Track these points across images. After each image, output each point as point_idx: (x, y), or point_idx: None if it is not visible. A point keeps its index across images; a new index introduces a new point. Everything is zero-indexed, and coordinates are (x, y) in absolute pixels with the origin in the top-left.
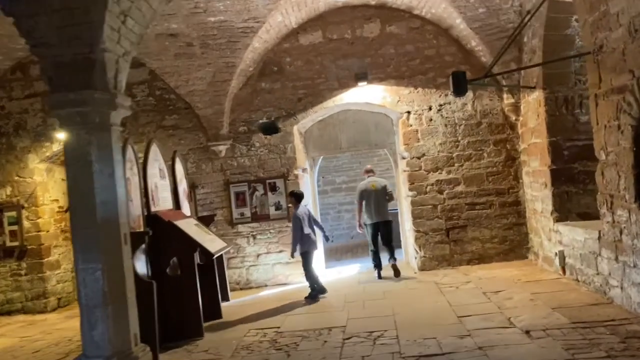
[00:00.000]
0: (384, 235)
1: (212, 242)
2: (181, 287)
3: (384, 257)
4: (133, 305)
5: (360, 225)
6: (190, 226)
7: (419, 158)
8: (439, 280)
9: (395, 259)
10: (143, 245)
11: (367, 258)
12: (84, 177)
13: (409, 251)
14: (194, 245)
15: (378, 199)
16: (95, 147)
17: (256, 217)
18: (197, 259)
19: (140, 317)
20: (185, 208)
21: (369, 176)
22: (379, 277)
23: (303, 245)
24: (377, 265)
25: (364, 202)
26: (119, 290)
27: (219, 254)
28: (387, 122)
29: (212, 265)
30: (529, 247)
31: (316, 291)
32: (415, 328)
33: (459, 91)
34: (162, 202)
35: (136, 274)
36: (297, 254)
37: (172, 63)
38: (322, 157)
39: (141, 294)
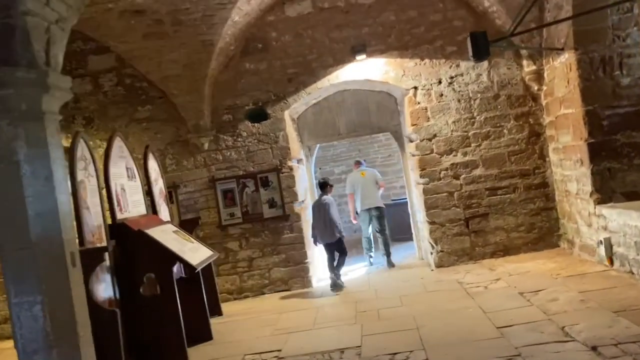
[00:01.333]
0: (377, 221)
1: (194, 251)
2: (159, 309)
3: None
4: (88, 344)
5: (354, 217)
6: (167, 234)
7: (429, 140)
8: (462, 279)
9: (391, 262)
10: (105, 263)
11: (376, 255)
12: (10, 183)
13: (422, 246)
14: (171, 257)
15: (367, 186)
16: (24, 142)
17: (248, 217)
18: (179, 272)
19: (101, 357)
20: (164, 212)
21: (357, 168)
22: (370, 263)
23: (315, 237)
24: (369, 249)
25: (355, 191)
26: (67, 327)
27: (204, 265)
28: (391, 101)
29: (197, 278)
30: (561, 235)
31: (331, 284)
32: (447, 346)
33: (480, 55)
34: (133, 206)
35: (93, 302)
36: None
37: (140, 45)
38: (318, 145)
39: (102, 327)
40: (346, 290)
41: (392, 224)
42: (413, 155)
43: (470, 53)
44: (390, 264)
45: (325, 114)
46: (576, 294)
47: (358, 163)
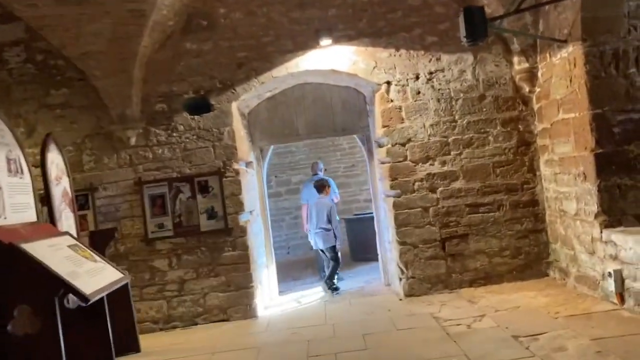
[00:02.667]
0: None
1: (94, 274)
2: (35, 353)
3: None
4: None
5: (306, 226)
6: (57, 250)
7: (403, 145)
8: (438, 313)
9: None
10: None
11: (337, 276)
12: None
13: (389, 270)
14: (54, 282)
15: (322, 209)
16: None
17: (181, 230)
18: (69, 302)
19: None
20: (66, 220)
21: (314, 174)
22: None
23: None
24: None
25: (309, 206)
26: None
27: (105, 293)
28: (359, 99)
29: (100, 308)
30: (550, 262)
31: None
32: None
33: (475, 36)
34: (13, 211)
35: None
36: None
37: (53, 11)
38: (272, 147)
39: None
40: (297, 324)
41: (354, 243)
42: (382, 163)
43: (463, 33)
44: (333, 289)
45: (281, 111)
46: (588, 341)
47: (315, 166)
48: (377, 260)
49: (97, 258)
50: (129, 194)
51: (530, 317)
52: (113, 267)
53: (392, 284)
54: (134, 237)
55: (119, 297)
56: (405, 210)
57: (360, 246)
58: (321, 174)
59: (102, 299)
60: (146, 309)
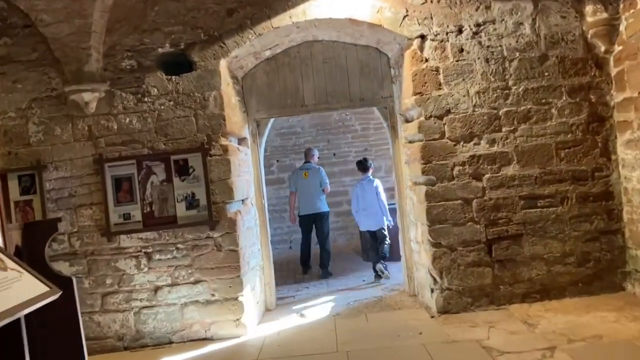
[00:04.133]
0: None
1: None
2: None
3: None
4: None
5: (293, 218)
6: None
7: (439, 118)
8: (488, 341)
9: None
10: None
11: (346, 278)
12: None
13: (415, 277)
14: None
15: (309, 189)
16: None
17: (153, 222)
18: None
19: None
20: None
21: (309, 160)
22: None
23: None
24: (304, 263)
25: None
26: None
27: (13, 318)
28: (381, 63)
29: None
30: (628, 272)
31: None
32: None
33: None
34: None
35: None
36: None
37: None
38: (272, 120)
39: None
40: (299, 350)
41: (367, 239)
42: (411, 142)
43: None
44: (325, 274)
45: (284, 75)
46: None
47: (309, 152)
48: (394, 260)
49: (10, 264)
50: (87, 175)
51: (626, 356)
52: (35, 277)
53: (419, 294)
54: (93, 230)
55: (59, 317)
56: (441, 203)
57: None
58: (313, 163)
59: (16, 324)
60: (108, 322)
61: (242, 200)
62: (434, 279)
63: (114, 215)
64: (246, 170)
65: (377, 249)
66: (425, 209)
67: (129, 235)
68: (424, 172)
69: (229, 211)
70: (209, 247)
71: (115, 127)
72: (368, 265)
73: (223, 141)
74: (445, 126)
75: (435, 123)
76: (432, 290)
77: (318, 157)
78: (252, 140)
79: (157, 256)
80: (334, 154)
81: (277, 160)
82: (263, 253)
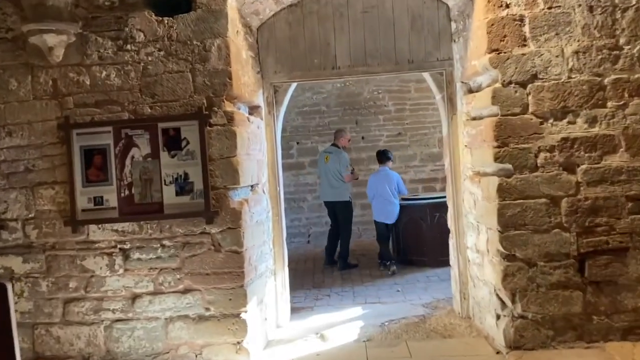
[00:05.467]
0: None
1: None
2: None
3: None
4: None
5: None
6: None
7: (522, 85)
8: None
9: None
10: None
11: (374, 285)
12: None
13: (473, 294)
14: None
15: (328, 175)
16: None
17: (131, 210)
18: None
19: None
20: None
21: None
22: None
23: None
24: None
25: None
26: None
27: None
28: (438, 14)
29: None
30: None
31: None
32: None
33: None
34: None
35: None
36: None
37: None
38: (293, 87)
39: None
40: None
41: (401, 238)
42: (475, 119)
43: None
44: (343, 265)
45: (311, 27)
46: None
47: (337, 133)
48: (435, 266)
49: None
50: (49, 145)
51: None
52: None
53: (477, 318)
54: (55, 217)
55: None
56: (519, 201)
57: (411, 244)
58: (340, 146)
59: None
60: (71, 337)
61: (251, 187)
62: (502, 302)
63: (82, 199)
64: (258, 149)
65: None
66: (495, 208)
67: (100, 226)
68: (496, 159)
69: (233, 200)
70: (204, 246)
71: (88, 83)
72: (400, 268)
73: (228, 107)
74: (530, 97)
75: (515, 92)
76: (498, 317)
77: (349, 141)
78: (267, 111)
79: (137, 255)
80: (363, 138)
81: (298, 143)
82: (276, 254)
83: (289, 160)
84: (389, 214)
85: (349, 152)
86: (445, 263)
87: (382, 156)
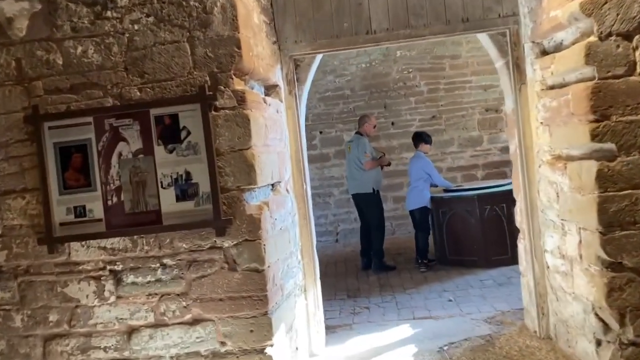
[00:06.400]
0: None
1: None
2: None
3: None
4: None
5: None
6: None
7: (627, 37)
8: None
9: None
10: None
11: (419, 292)
12: None
13: (555, 311)
14: None
15: (351, 164)
16: None
17: (122, 221)
18: None
19: None
20: None
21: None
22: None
23: None
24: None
25: None
26: None
27: None
28: None
29: None
30: None
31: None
32: None
33: None
34: None
35: None
36: None
37: None
38: (317, 57)
39: None
40: None
41: (446, 237)
42: (553, 87)
43: None
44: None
45: None
46: None
47: (360, 120)
48: (487, 267)
49: None
50: (15, 143)
51: None
52: None
53: (562, 340)
54: (27, 234)
55: None
56: (626, 192)
57: (458, 242)
58: (364, 134)
59: None
60: None
61: (272, 186)
62: (604, 324)
63: (60, 210)
64: (278, 138)
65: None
66: (594, 202)
67: (84, 243)
68: (594, 137)
69: (249, 204)
70: (215, 265)
71: (60, 62)
72: (446, 270)
73: (238, 85)
74: (637, 52)
75: (618, 46)
76: (598, 342)
77: (374, 127)
78: (287, 91)
79: (131, 278)
80: (392, 123)
81: (321, 132)
82: (305, 267)
83: (312, 151)
84: (408, 200)
85: (378, 139)
86: (499, 263)
87: (415, 139)
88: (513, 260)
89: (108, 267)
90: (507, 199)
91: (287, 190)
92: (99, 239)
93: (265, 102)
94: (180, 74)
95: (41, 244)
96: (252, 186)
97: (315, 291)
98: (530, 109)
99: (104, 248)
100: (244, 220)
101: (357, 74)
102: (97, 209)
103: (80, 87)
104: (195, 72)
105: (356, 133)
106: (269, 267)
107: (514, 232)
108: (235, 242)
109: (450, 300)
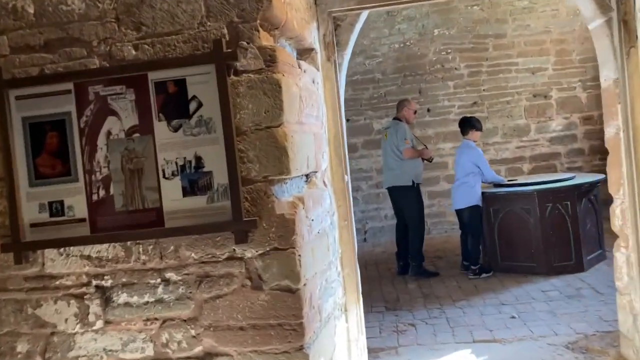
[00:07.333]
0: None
1: None
2: None
3: None
4: None
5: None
6: None
7: None
8: None
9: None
10: None
11: (472, 305)
12: None
13: None
14: None
15: (386, 152)
16: None
17: (111, 222)
18: None
19: None
20: None
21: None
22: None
23: None
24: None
25: None
26: None
27: None
28: None
29: None
30: None
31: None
32: None
33: None
34: None
35: None
36: None
37: None
38: (363, 15)
39: None
40: None
41: (497, 239)
42: None
43: None
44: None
45: None
46: None
47: (398, 104)
48: (548, 274)
49: None
50: None
51: None
52: None
53: None
54: None
55: None
56: None
57: (513, 245)
58: (403, 120)
59: None
60: None
61: (306, 177)
62: None
63: (30, 206)
64: (314, 115)
65: (465, 240)
66: None
67: (62, 251)
68: None
69: (280, 200)
70: (234, 281)
71: (31, 11)
72: (501, 279)
73: (266, 40)
74: None
75: None
76: None
77: (415, 112)
78: (324, 57)
79: (124, 297)
80: (429, 110)
81: (348, 120)
82: (346, 280)
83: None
84: (455, 198)
85: (413, 128)
86: (562, 271)
87: (463, 125)
88: (577, 267)
89: (94, 283)
90: (572, 195)
91: (324, 183)
92: (82, 245)
93: (300, 70)
94: (188, 25)
95: (6, 251)
96: (284, 176)
97: (358, 311)
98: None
99: (89, 257)
100: (272, 222)
101: (390, 55)
102: (78, 206)
103: (58, 43)
104: (208, 23)
105: (394, 119)
106: (305, 285)
107: (579, 235)
108: (261, 252)
109: (513, 317)
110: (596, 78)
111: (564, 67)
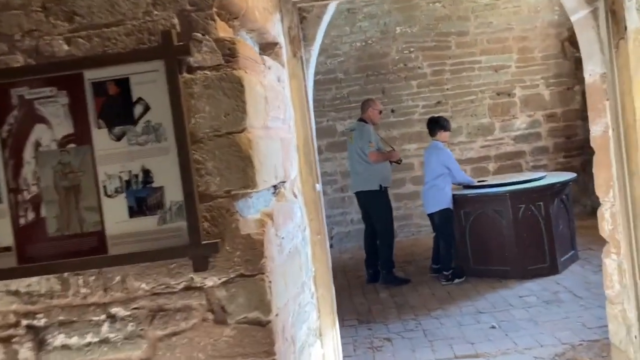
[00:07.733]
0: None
1: None
2: None
3: None
4: None
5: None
6: None
7: None
8: None
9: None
10: None
11: (448, 315)
12: None
13: None
14: None
15: (352, 156)
16: None
17: (43, 250)
18: None
19: None
20: None
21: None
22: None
23: None
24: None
25: None
26: None
27: None
28: None
29: None
30: None
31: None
32: None
33: None
34: None
35: None
36: None
37: None
38: (332, 6)
39: None
40: None
41: (473, 241)
42: None
43: None
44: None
45: None
46: None
47: (362, 105)
48: (521, 277)
49: None
50: None
51: None
52: None
53: None
54: None
55: None
56: None
57: (485, 248)
58: (368, 120)
59: None
60: None
61: (274, 188)
62: None
63: None
64: (281, 118)
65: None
66: None
67: None
68: None
69: (245, 217)
70: (193, 315)
71: None
72: (474, 284)
73: (224, 30)
74: None
75: None
76: None
77: (380, 112)
78: (289, 52)
79: (61, 338)
80: (393, 111)
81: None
82: (320, 302)
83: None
84: (425, 202)
85: (378, 129)
86: (537, 274)
87: (431, 126)
88: (552, 269)
89: (24, 323)
90: (545, 196)
91: (294, 194)
92: (8, 279)
93: (264, 66)
94: (132, 14)
95: None
96: (249, 190)
97: (335, 334)
98: (632, 72)
99: (16, 293)
100: (237, 245)
101: (351, 54)
102: (2, 232)
103: None
104: (155, 12)
105: (359, 120)
106: (277, 315)
107: (553, 236)
108: (224, 280)
109: (493, 327)
110: (559, 75)
111: (526, 64)
